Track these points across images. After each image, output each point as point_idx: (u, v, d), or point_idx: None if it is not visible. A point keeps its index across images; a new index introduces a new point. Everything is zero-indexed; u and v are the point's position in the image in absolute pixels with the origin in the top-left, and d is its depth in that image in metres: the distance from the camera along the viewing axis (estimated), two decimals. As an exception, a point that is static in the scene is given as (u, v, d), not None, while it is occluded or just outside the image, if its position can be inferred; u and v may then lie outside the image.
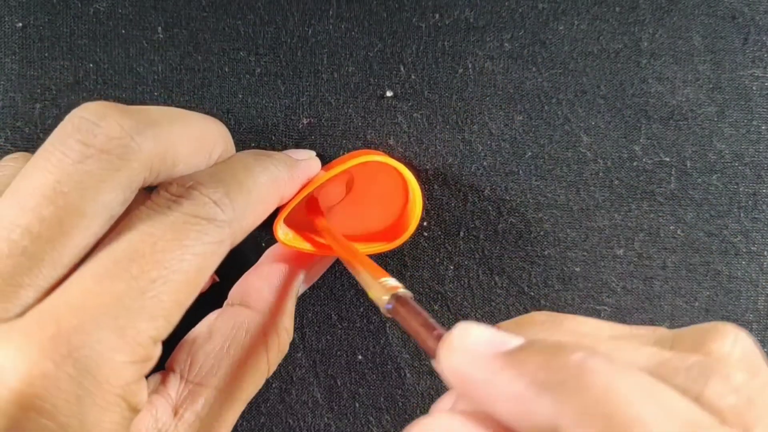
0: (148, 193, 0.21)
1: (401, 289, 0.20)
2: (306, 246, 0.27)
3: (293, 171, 0.25)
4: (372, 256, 0.27)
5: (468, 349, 0.15)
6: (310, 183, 0.25)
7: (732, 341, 0.16)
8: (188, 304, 0.20)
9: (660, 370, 0.15)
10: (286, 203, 0.25)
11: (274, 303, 0.26)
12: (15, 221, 0.18)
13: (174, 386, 0.24)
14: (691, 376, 0.14)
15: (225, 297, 0.27)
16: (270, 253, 0.28)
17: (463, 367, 0.15)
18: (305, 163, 0.26)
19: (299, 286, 0.28)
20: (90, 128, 0.19)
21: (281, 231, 0.26)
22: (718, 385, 0.14)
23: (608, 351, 0.16)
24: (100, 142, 0.19)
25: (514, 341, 0.16)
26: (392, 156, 0.29)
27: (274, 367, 0.26)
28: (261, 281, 0.27)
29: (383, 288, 0.21)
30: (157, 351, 0.20)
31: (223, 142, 0.24)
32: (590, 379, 0.13)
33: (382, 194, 0.28)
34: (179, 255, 0.19)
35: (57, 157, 0.19)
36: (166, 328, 0.19)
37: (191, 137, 0.22)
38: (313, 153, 0.27)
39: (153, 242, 0.19)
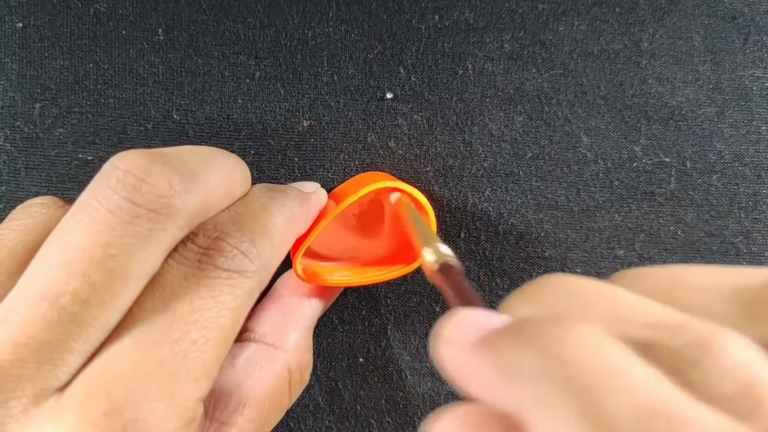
0: None
1: (451, 258, 0.20)
2: (325, 280, 0.26)
3: (306, 205, 0.24)
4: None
5: (451, 338, 0.14)
6: (322, 216, 0.25)
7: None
8: (225, 356, 0.20)
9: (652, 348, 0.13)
10: (301, 238, 0.25)
11: (298, 340, 0.26)
12: (64, 287, 0.18)
13: (201, 425, 0.24)
14: (683, 354, 0.12)
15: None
16: (288, 284, 0.27)
17: (446, 358, 0.14)
18: (315, 195, 0.25)
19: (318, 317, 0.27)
20: (137, 185, 0.18)
21: (300, 269, 0.26)
22: (711, 366, 0.12)
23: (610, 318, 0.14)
24: (148, 201, 0.18)
25: (497, 321, 0.14)
26: (392, 158, 0.29)
27: (293, 401, 0.26)
28: (283, 318, 0.26)
29: (435, 251, 0.20)
30: (201, 408, 0.20)
31: (246, 182, 0.23)
32: (552, 362, 0.12)
33: (392, 216, 0.28)
34: (216, 312, 0.19)
35: (103, 216, 0.18)
36: (208, 387, 0.19)
37: (224, 184, 0.21)
38: (318, 185, 0.27)
39: (189, 301, 0.19)
